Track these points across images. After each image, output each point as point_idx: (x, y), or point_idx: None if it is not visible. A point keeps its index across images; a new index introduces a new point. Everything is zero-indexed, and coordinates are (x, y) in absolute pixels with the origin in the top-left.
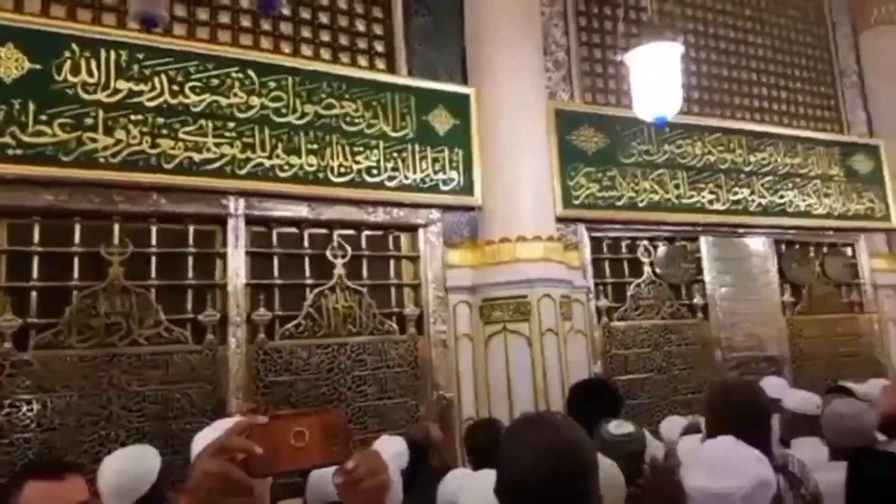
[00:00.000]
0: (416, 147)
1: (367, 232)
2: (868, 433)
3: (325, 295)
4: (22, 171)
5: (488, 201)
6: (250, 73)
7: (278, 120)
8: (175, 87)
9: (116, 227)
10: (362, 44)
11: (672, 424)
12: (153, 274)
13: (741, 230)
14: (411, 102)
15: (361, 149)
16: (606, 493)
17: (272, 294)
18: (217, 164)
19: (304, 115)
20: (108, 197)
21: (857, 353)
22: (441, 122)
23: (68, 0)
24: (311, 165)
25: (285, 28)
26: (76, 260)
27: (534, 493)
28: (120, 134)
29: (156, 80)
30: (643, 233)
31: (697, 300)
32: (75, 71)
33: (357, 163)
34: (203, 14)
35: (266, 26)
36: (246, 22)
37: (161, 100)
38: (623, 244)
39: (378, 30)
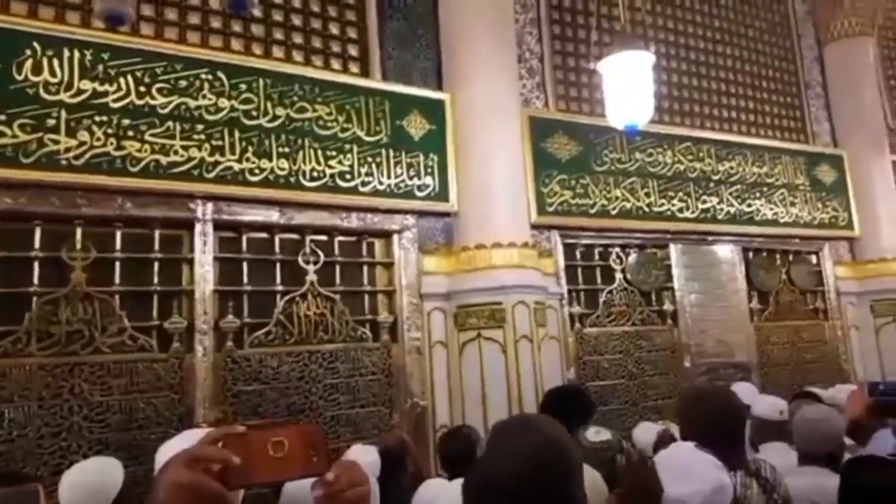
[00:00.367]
0: (391, 152)
1: (340, 237)
2: (838, 438)
3: (297, 302)
4: None
5: (463, 207)
6: (220, 74)
7: (248, 123)
8: (142, 88)
9: (79, 232)
10: (336, 47)
11: (644, 431)
12: (117, 280)
13: (710, 238)
14: (386, 107)
15: (334, 153)
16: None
17: (241, 301)
18: (185, 168)
19: (275, 118)
20: (71, 200)
21: (821, 359)
22: (416, 127)
23: None
24: (282, 169)
25: (256, 30)
26: (36, 265)
27: (513, 496)
28: (83, 135)
29: (122, 80)
30: (615, 240)
31: (667, 307)
32: (37, 70)
33: (330, 167)
34: (172, 14)
35: (237, 28)
36: (216, 23)
37: (127, 101)
38: (596, 251)
39: (352, 33)
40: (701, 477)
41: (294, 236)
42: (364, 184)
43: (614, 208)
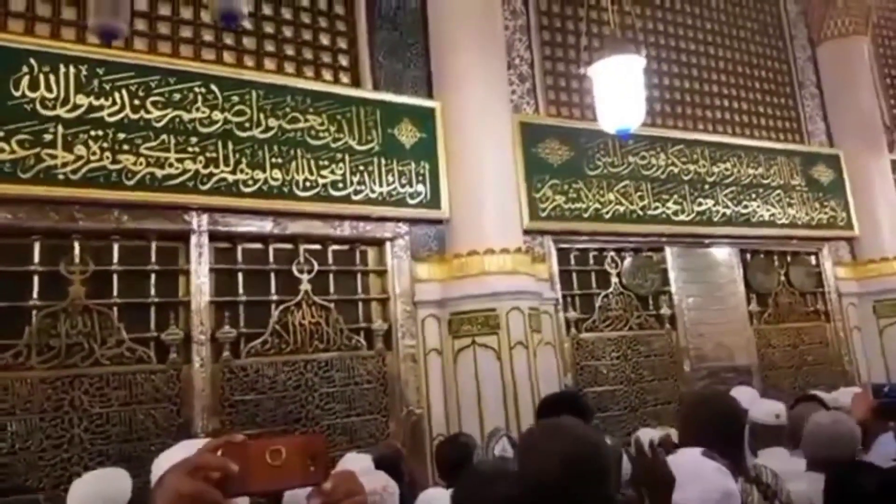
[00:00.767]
0: (383, 160)
1: (334, 246)
2: (854, 445)
3: (292, 311)
4: None
5: (455, 214)
6: (213, 87)
7: (242, 134)
8: (136, 102)
9: (77, 245)
10: (327, 57)
11: (644, 437)
12: (115, 292)
13: (706, 240)
14: (377, 116)
15: (327, 163)
16: None
17: (237, 311)
18: (180, 180)
19: (268, 129)
20: (69, 214)
21: (824, 362)
22: (407, 135)
23: (26, 15)
24: (275, 180)
25: (248, 42)
26: (36, 279)
27: (550, 498)
28: (80, 150)
29: (116, 94)
30: (610, 244)
31: (665, 311)
32: (34, 86)
33: (322, 177)
34: (164, 28)
35: (229, 41)
36: (209, 36)
37: (122, 115)
38: (590, 255)
39: (342, 43)
40: (709, 483)
41: (288, 246)
42: (356, 192)
43: (608, 212)
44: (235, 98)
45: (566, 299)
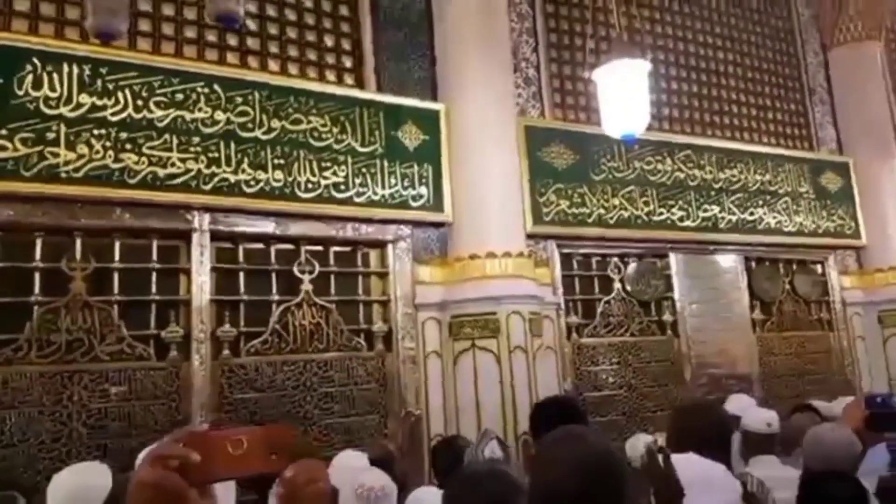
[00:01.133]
0: (385, 162)
1: (335, 248)
2: (854, 458)
3: (292, 311)
4: None
5: (458, 217)
6: (216, 87)
7: (244, 135)
8: (139, 102)
9: (79, 243)
10: (330, 59)
11: (637, 442)
12: (116, 289)
13: (711, 247)
14: (380, 118)
15: (329, 164)
16: None
17: (237, 310)
18: (182, 179)
19: (270, 129)
20: (71, 212)
21: (826, 371)
22: (410, 137)
23: (30, 14)
24: (277, 181)
25: (252, 43)
26: (37, 275)
27: None
28: (83, 148)
29: (119, 94)
30: (613, 249)
31: (667, 317)
32: (37, 85)
33: (325, 178)
34: (168, 29)
35: (232, 41)
36: (212, 37)
37: (125, 114)
38: (593, 261)
39: (346, 45)
40: (723, 486)
41: (289, 247)
42: (359, 194)
43: (612, 217)
44: (238, 98)
45: (568, 304)
